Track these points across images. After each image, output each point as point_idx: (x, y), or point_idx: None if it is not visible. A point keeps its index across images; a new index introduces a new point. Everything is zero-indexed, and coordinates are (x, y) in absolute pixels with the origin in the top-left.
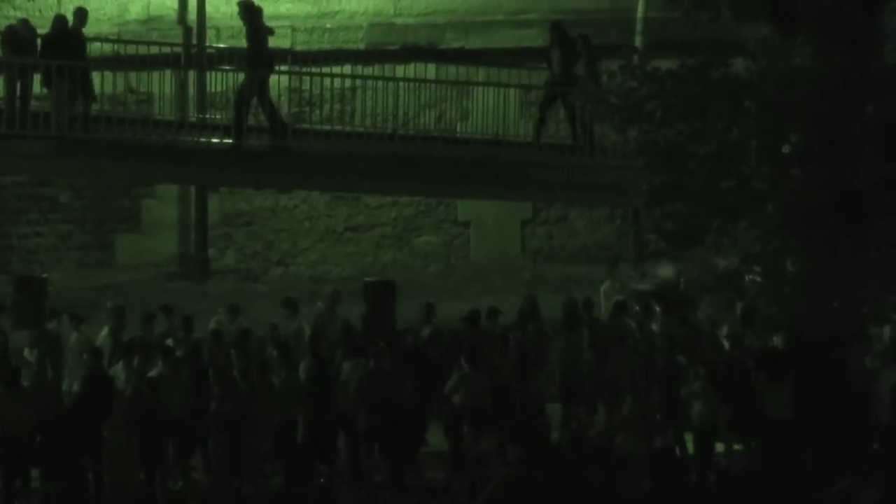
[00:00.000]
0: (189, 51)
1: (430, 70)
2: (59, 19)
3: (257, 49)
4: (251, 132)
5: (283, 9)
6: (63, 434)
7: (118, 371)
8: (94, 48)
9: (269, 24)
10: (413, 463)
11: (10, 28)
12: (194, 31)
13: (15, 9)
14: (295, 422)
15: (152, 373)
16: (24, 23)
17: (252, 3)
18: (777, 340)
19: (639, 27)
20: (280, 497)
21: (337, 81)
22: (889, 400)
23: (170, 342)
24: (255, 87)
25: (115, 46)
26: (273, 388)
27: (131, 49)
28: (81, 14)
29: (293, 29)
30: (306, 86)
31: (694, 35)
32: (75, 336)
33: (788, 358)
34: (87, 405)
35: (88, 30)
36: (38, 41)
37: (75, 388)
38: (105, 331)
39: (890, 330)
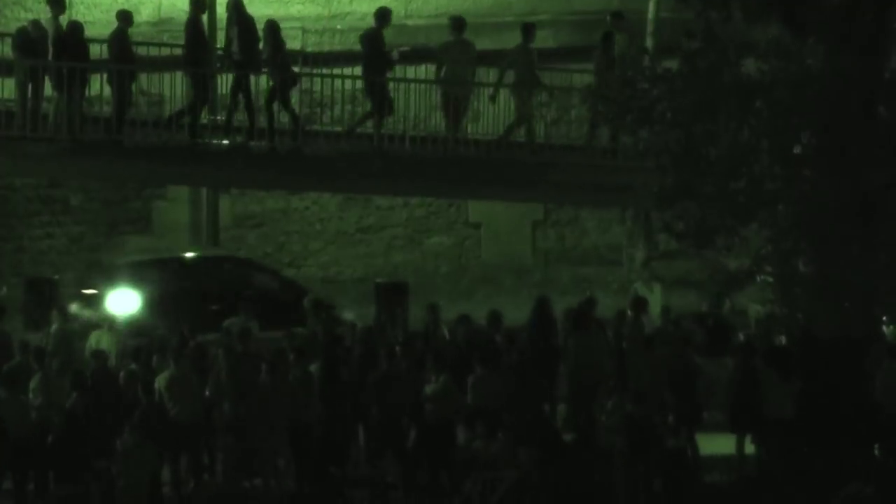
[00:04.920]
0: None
1: None
2: (73, 24)
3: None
4: (262, 134)
5: (293, 10)
6: (73, 436)
7: (128, 372)
8: (106, 50)
9: (280, 25)
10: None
11: (21, 30)
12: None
13: (26, 11)
14: (309, 423)
15: (162, 375)
16: (36, 24)
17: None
18: (782, 340)
19: (650, 28)
20: (293, 498)
21: (348, 83)
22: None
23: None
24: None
25: None
26: (287, 388)
27: (142, 51)
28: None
29: (304, 30)
30: (317, 87)
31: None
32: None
33: (797, 358)
34: (91, 407)
35: (99, 32)
36: (49, 43)
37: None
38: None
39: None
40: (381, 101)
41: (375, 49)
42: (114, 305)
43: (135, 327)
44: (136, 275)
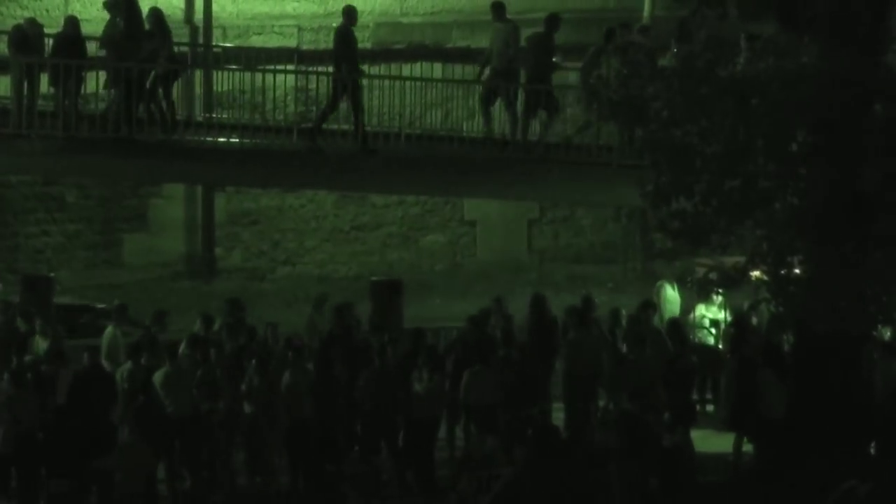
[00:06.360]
0: (196, 50)
1: (437, 69)
2: (71, 20)
3: None
4: (259, 131)
5: (289, 8)
6: (65, 431)
7: (125, 370)
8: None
9: (275, 23)
10: (427, 464)
11: (17, 28)
12: (201, 30)
13: (22, 8)
14: (305, 421)
15: (159, 372)
16: (31, 22)
17: None
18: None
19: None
20: (288, 496)
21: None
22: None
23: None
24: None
25: None
26: (283, 386)
27: None
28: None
29: (299, 28)
30: (312, 85)
31: (700, 34)
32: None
33: (790, 357)
34: (81, 402)
35: (95, 29)
36: (46, 40)
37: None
38: (109, 328)
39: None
40: (552, 104)
41: (544, 53)
42: None
43: None
44: None
